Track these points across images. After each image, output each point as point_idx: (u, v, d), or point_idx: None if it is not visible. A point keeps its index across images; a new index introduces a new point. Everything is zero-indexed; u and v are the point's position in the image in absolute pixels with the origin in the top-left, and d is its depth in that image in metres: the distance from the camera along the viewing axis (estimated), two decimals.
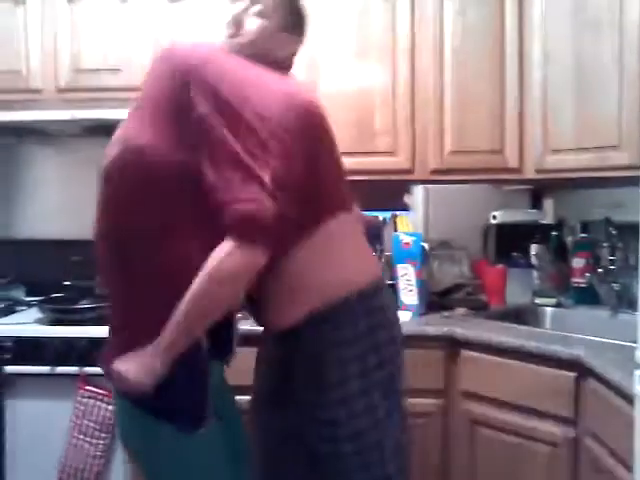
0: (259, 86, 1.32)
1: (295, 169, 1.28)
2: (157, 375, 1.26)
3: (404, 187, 2.82)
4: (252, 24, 1.44)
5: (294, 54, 1.54)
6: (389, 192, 2.76)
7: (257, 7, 1.44)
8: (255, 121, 1.24)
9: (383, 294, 1.47)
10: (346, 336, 1.35)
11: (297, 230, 1.33)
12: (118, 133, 1.35)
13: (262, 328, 1.50)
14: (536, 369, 1.85)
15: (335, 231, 1.39)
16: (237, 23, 1.45)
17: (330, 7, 2.38)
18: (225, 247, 1.20)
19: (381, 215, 2.71)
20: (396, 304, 1.39)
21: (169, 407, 1.32)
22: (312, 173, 1.33)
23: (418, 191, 2.90)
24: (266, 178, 1.21)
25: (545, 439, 1.83)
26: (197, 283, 1.22)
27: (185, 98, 1.25)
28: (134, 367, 1.27)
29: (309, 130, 1.34)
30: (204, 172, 1.23)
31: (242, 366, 1.51)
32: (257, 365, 1.55)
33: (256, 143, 1.22)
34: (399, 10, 2.36)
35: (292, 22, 1.49)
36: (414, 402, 2.03)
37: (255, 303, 1.43)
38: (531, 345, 1.86)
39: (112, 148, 1.32)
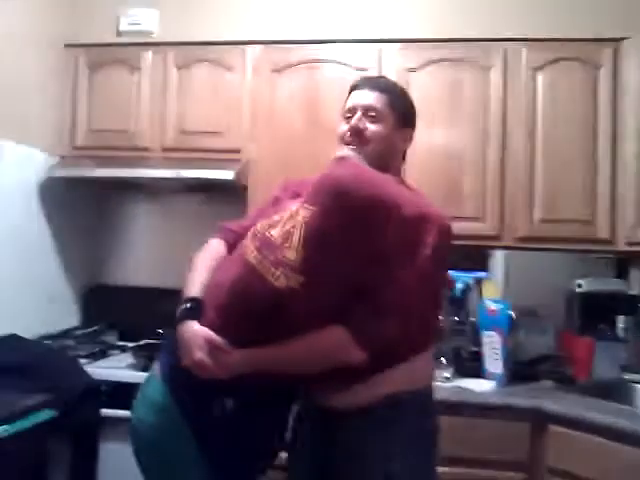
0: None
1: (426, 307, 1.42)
2: (232, 373, 1.33)
3: (484, 250, 2.80)
4: (371, 129, 1.48)
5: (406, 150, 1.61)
6: (470, 254, 2.75)
7: (372, 113, 1.49)
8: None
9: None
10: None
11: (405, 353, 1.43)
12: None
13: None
14: (629, 450, 1.78)
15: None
16: (357, 132, 1.49)
17: (424, 75, 2.44)
18: (343, 336, 1.33)
19: (458, 275, 2.71)
20: None
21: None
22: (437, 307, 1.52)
23: (498, 254, 2.88)
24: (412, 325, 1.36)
25: None
26: (308, 341, 1.34)
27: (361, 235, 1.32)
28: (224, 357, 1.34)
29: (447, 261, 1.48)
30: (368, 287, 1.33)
31: None
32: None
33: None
34: (492, 81, 2.40)
35: (404, 118, 1.54)
36: (494, 474, 2.01)
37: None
38: (624, 424, 1.80)
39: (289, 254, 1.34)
